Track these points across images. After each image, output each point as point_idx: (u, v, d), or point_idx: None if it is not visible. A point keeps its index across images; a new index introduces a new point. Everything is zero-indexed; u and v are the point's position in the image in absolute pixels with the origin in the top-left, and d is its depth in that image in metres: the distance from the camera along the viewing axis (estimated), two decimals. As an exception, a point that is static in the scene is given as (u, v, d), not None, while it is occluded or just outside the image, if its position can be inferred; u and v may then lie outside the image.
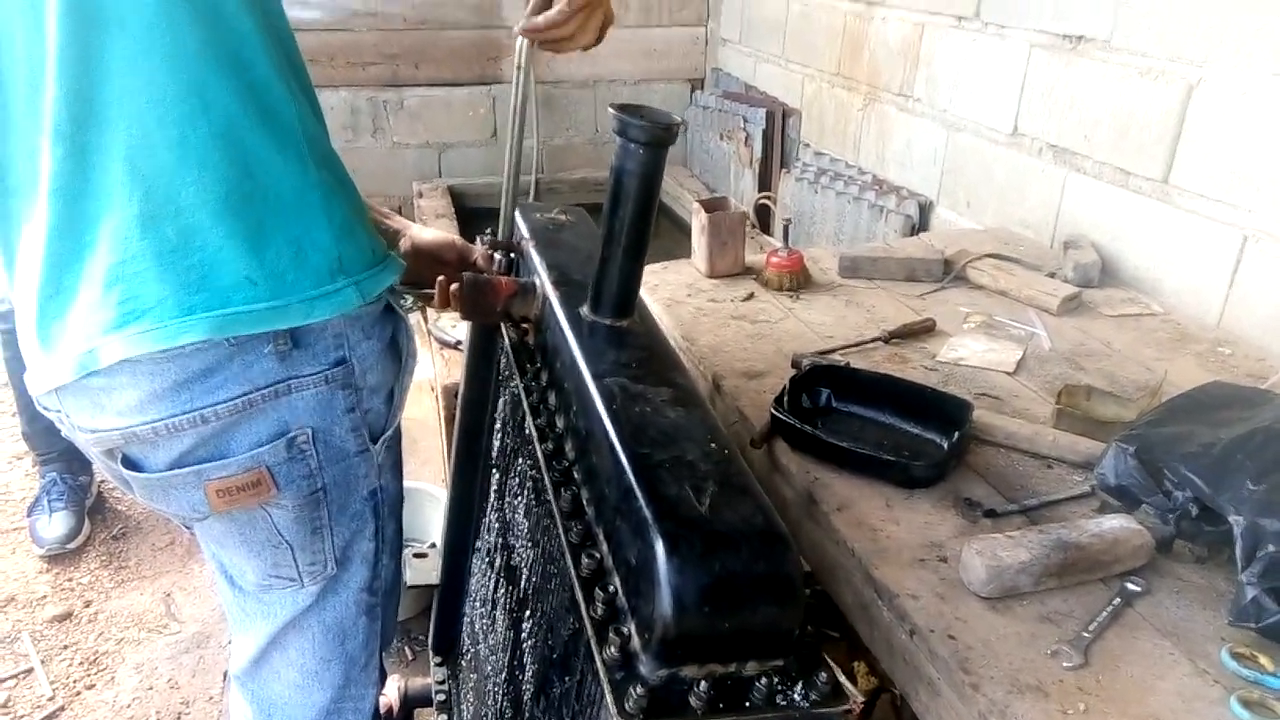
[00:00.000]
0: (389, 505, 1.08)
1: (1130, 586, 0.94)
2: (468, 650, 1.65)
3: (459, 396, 1.60)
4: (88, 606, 2.04)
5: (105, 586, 2.10)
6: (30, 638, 1.95)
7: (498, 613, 1.36)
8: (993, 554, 0.93)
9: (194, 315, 0.82)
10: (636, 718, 0.65)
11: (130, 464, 0.90)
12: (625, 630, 0.71)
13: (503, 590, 1.34)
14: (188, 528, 1.04)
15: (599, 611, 0.74)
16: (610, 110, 0.95)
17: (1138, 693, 0.82)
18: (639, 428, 0.83)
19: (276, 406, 0.89)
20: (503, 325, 1.22)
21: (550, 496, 0.89)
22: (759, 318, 1.62)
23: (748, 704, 0.68)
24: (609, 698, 0.67)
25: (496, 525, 1.43)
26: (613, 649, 0.69)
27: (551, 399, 1.03)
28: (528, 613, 1.14)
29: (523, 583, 1.19)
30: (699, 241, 1.79)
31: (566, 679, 0.82)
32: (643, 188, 0.97)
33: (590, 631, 0.73)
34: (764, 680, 0.69)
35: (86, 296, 0.82)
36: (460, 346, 2.33)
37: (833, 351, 1.47)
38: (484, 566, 1.53)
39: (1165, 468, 0.93)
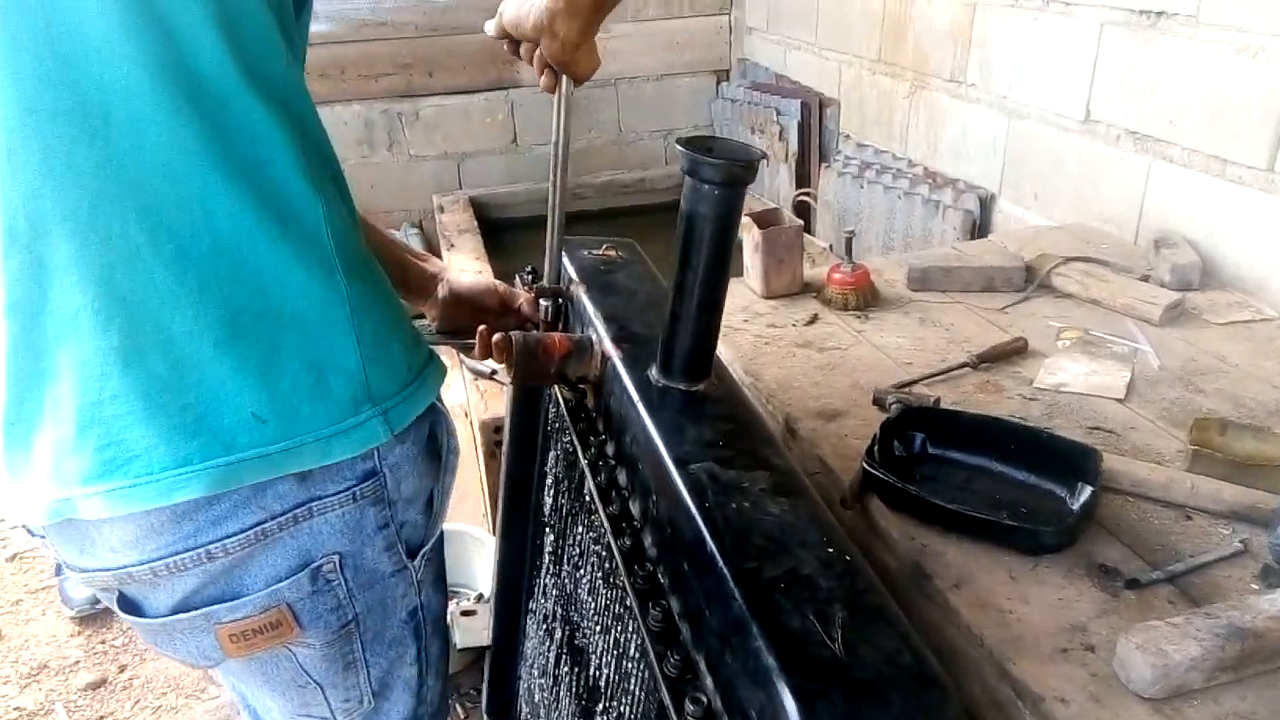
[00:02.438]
0: (432, 623, 0.94)
1: (1322, 678, 0.79)
2: (528, 719, 1.53)
3: (504, 448, 1.48)
4: (122, 672, 1.95)
5: (139, 649, 2.01)
6: (65, 709, 1.86)
7: (561, 691, 1.24)
8: (1157, 649, 0.79)
9: (191, 465, 0.68)
10: None
11: (129, 607, 0.77)
12: (750, 802, 0.58)
13: (566, 668, 1.21)
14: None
15: (716, 779, 0.60)
16: (678, 148, 0.81)
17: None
18: (741, 533, 0.69)
19: (296, 534, 0.75)
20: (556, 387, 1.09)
21: (636, 612, 0.75)
22: (827, 344, 1.47)
23: None
24: None
25: (554, 592, 1.31)
26: (739, 832, 0.56)
27: (621, 478, 0.90)
28: (600, 706, 1.02)
29: (592, 669, 1.06)
30: (752, 260, 1.65)
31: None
32: (718, 233, 0.83)
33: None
34: None
35: (56, 433, 0.68)
36: (496, 377, 2.21)
37: (915, 382, 1.33)
38: (541, 632, 1.40)
39: (1362, 538, 0.79)
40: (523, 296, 1.16)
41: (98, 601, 2.07)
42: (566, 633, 1.22)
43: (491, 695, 1.69)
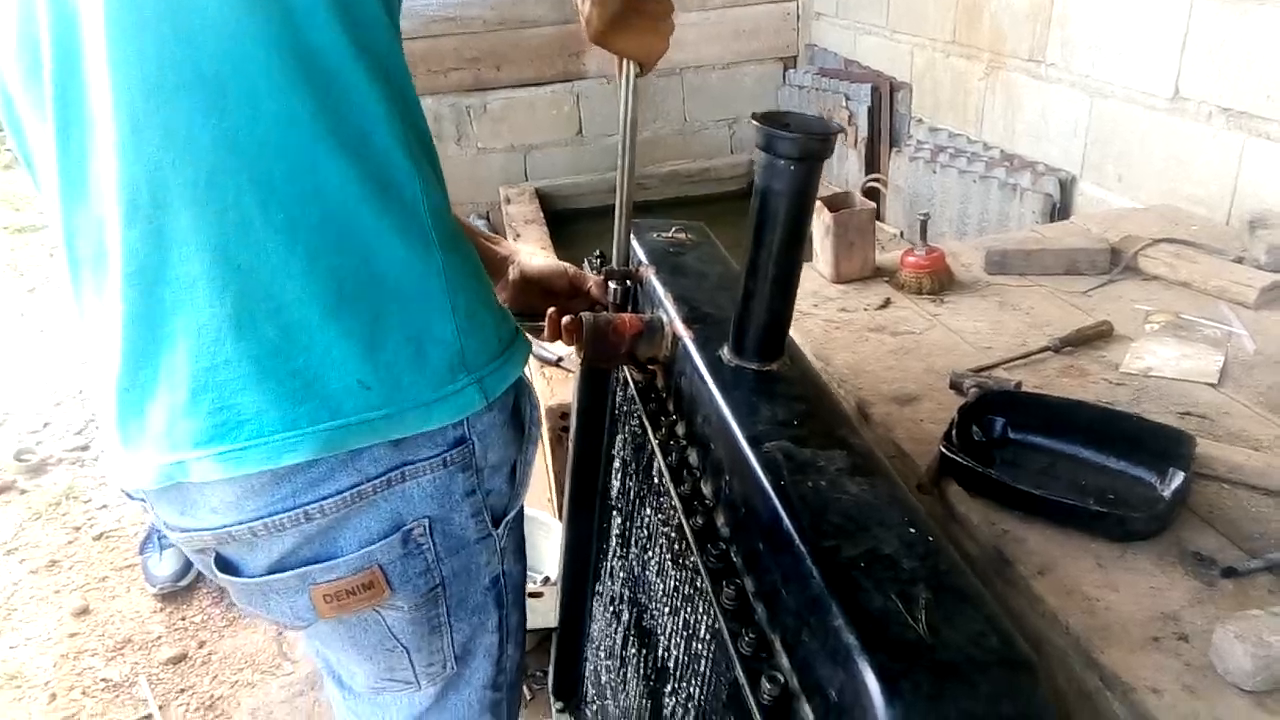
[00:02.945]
0: (513, 592, 0.95)
1: None
2: (593, 701, 1.53)
3: (571, 432, 1.49)
4: (201, 647, 2.02)
5: (218, 625, 2.07)
6: (147, 681, 1.93)
7: (629, 672, 1.24)
8: (1258, 638, 0.75)
9: (299, 429, 0.70)
10: None
11: (225, 566, 0.80)
12: (830, 782, 0.57)
13: (634, 649, 1.21)
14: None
15: (794, 757, 0.59)
16: (752, 122, 0.80)
17: None
18: (818, 511, 0.68)
19: (389, 497, 0.77)
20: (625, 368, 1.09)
21: (710, 592, 0.75)
22: (900, 328, 1.44)
23: None
24: None
25: (621, 574, 1.31)
26: (818, 811, 0.55)
27: (693, 458, 0.89)
28: (669, 687, 1.01)
29: (660, 650, 1.06)
30: (822, 244, 1.62)
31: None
32: (794, 210, 0.82)
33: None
34: None
35: (170, 399, 0.70)
36: (562, 364, 2.22)
37: (994, 366, 1.29)
38: (607, 614, 1.41)
39: None
40: (592, 280, 1.16)
41: (180, 578, 2.14)
42: (634, 615, 1.22)
43: (557, 677, 1.70)
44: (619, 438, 1.35)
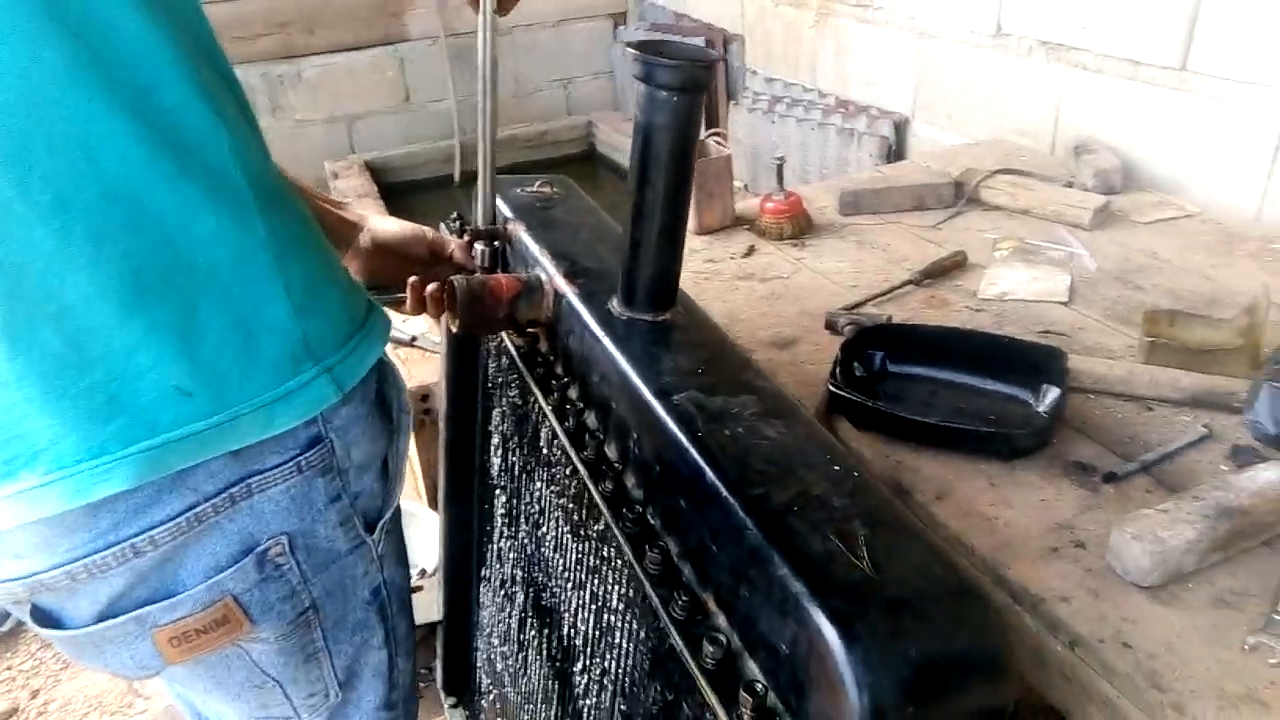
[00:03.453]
0: (397, 600, 0.85)
1: (1303, 548, 0.80)
2: (489, 691, 1.47)
3: (441, 412, 1.40)
4: (35, 697, 1.79)
5: (52, 669, 1.85)
6: (-25, 742, 1.71)
7: (529, 655, 1.18)
8: (1153, 535, 0.78)
9: (109, 454, 0.58)
10: None
11: (46, 619, 0.66)
12: (788, 738, 0.54)
13: (533, 631, 1.15)
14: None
15: (747, 717, 0.56)
16: (629, 51, 0.75)
17: (1367, 686, 0.69)
18: (740, 459, 0.64)
19: (235, 516, 0.66)
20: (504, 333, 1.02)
21: (630, 559, 0.70)
22: (768, 274, 1.43)
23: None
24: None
25: (512, 555, 1.25)
26: (782, 771, 0.52)
27: (591, 421, 0.84)
28: (579, 665, 0.97)
29: (566, 629, 1.01)
30: (682, 195, 1.59)
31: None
32: (678, 144, 0.77)
33: (741, 751, 0.55)
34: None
35: None
36: (416, 343, 2.10)
37: (863, 304, 1.30)
38: (499, 599, 1.34)
39: (1336, 406, 0.79)
40: (454, 243, 1.08)
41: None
42: (530, 595, 1.16)
43: (447, 670, 1.62)
44: (496, 412, 1.28)
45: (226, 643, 0.71)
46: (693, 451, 0.65)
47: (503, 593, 1.33)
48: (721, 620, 0.62)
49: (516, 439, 1.17)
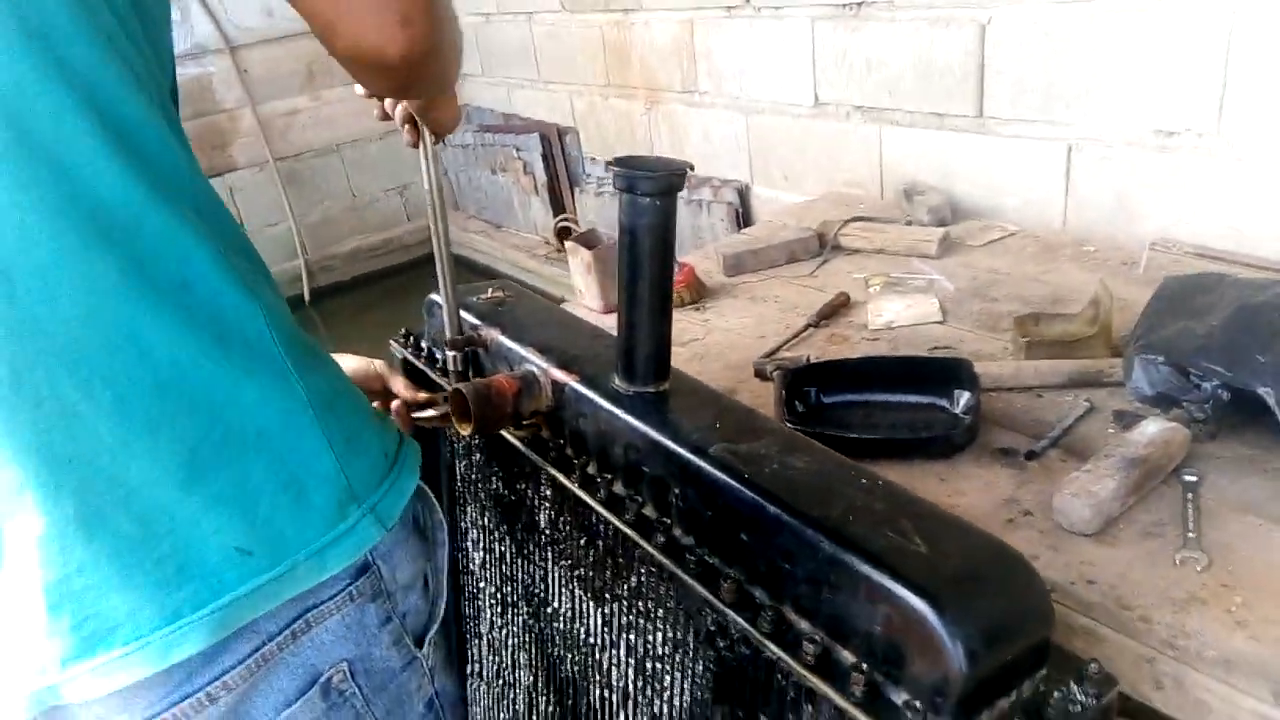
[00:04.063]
0: (450, 708, 0.90)
1: (1188, 478, 1.01)
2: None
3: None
4: None
5: None
6: None
7: (550, 732, 1.23)
8: (1088, 492, 0.96)
9: (182, 618, 0.63)
10: (978, 788, 0.60)
11: None
12: (900, 704, 0.66)
13: (553, 706, 1.21)
14: None
15: (859, 695, 0.67)
16: (611, 168, 0.87)
17: (1266, 567, 0.89)
18: (789, 489, 0.76)
19: (298, 650, 0.71)
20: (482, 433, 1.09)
21: (705, 594, 0.80)
22: (684, 339, 1.58)
23: (1051, 723, 0.65)
24: (939, 779, 0.61)
25: (510, 641, 1.29)
26: (908, 727, 0.64)
27: (619, 488, 0.94)
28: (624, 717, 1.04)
29: (596, 689, 1.08)
30: (586, 280, 1.72)
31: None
32: (660, 241, 0.90)
33: (866, 718, 0.66)
34: (1052, 694, 0.67)
35: (24, 622, 0.61)
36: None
37: (778, 349, 1.47)
38: (496, 689, 1.38)
39: (1188, 366, 1.02)
40: (399, 380, 1.13)
41: None
42: (541, 672, 1.22)
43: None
44: (470, 509, 1.33)
45: None
46: (747, 491, 0.77)
47: (500, 681, 1.37)
48: (804, 625, 0.74)
49: (505, 528, 1.23)
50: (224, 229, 0.69)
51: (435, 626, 0.87)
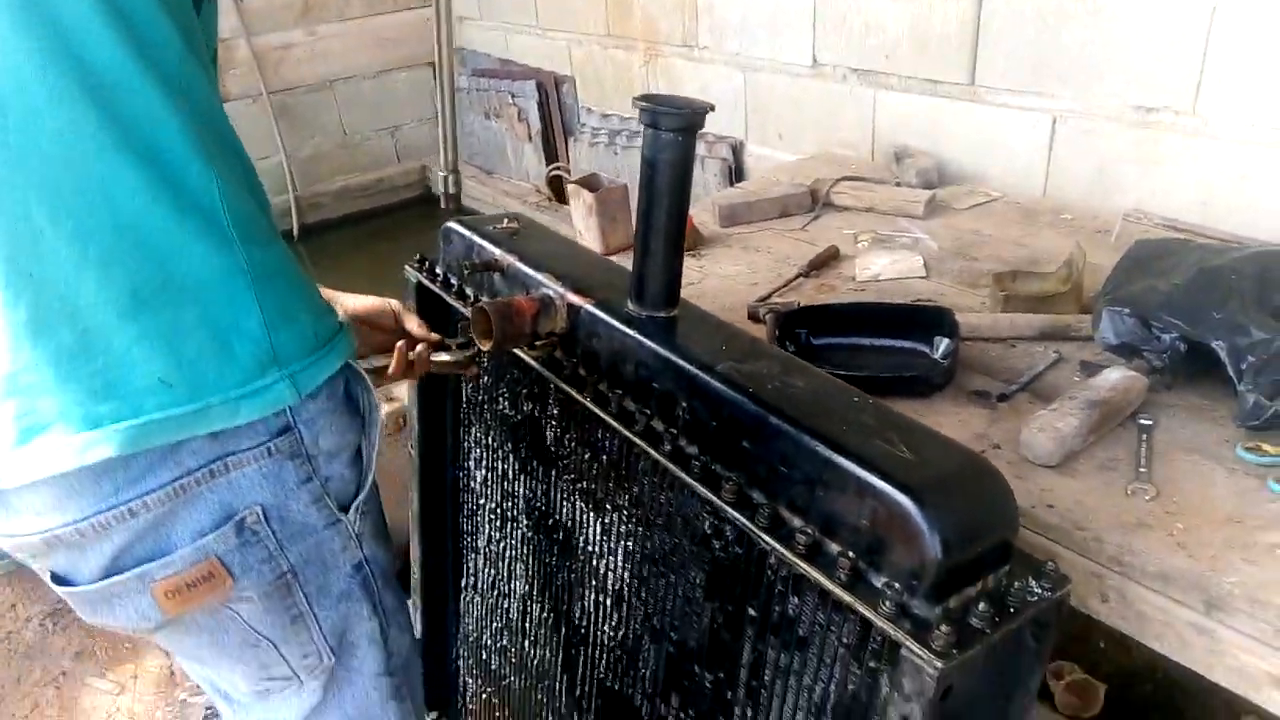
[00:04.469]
0: (381, 576, 0.99)
1: (1144, 422, 1.11)
2: (480, 692, 1.58)
3: (414, 442, 1.50)
4: None
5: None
6: None
7: (543, 636, 1.32)
8: (1052, 427, 1.06)
9: (102, 427, 0.74)
10: (949, 655, 0.69)
11: (61, 580, 0.82)
12: (880, 586, 0.75)
13: (548, 612, 1.29)
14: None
15: (844, 578, 0.76)
16: (636, 104, 0.94)
17: (1206, 500, 0.99)
18: (791, 402, 0.85)
19: (215, 488, 0.81)
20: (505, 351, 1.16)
21: (708, 494, 0.88)
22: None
23: (1012, 610, 0.75)
24: (914, 646, 0.70)
25: (508, 554, 1.37)
26: (887, 604, 0.72)
27: (629, 404, 1.01)
28: (618, 618, 1.12)
29: (591, 594, 1.16)
30: (587, 223, 1.78)
31: (809, 652, 0.83)
32: (679, 175, 0.97)
33: (850, 597, 0.75)
34: (1013, 586, 0.76)
35: None
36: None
37: (771, 295, 1.55)
38: (491, 600, 1.46)
39: (1150, 319, 1.11)
40: (413, 319, 1.20)
41: None
42: (538, 582, 1.30)
43: (427, 687, 1.70)
44: (475, 429, 1.41)
45: (215, 598, 0.84)
46: (751, 403, 0.85)
47: (495, 592, 1.46)
48: (796, 521, 0.82)
49: (509, 446, 1.31)
50: (206, 115, 0.78)
51: (362, 497, 0.94)
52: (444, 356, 1.14)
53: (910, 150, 2.01)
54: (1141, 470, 1.04)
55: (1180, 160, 1.63)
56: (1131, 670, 1.71)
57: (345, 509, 0.91)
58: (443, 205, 3.74)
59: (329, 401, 0.87)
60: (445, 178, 3.69)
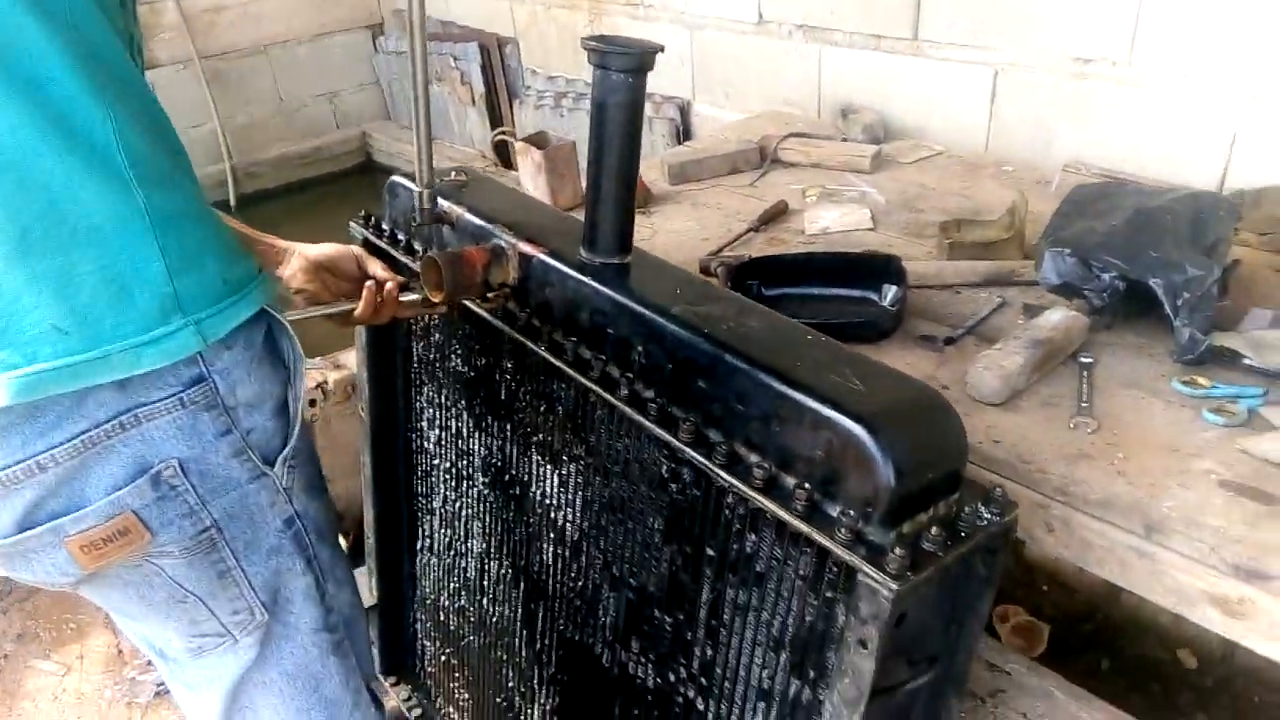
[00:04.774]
0: (315, 530, 0.96)
1: (1085, 360, 1.14)
2: (439, 654, 1.57)
3: (363, 407, 1.48)
4: None
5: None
6: None
7: (501, 593, 1.32)
8: (998, 366, 1.08)
9: None
10: (903, 577, 0.70)
11: None
12: (835, 515, 0.76)
13: (506, 568, 1.29)
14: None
15: (800, 509, 0.77)
16: (584, 44, 0.93)
17: (1144, 431, 1.03)
18: (746, 341, 0.85)
19: (127, 441, 0.78)
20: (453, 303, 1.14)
21: (665, 437, 0.88)
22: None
23: (963, 534, 0.77)
24: (870, 570, 0.71)
25: (464, 513, 1.37)
26: (843, 531, 0.74)
27: (585, 352, 1.01)
28: (576, 569, 1.13)
29: (550, 547, 1.16)
30: (536, 181, 1.76)
31: (766, 588, 0.84)
32: (629, 118, 0.96)
33: (807, 527, 0.76)
34: (963, 512, 0.78)
35: None
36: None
37: (722, 249, 1.56)
38: (448, 561, 1.46)
39: (1090, 259, 1.14)
40: (376, 263, 1.17)
41: None
42: (495, 539, 1.30)
43: (384, 653, 1.69)
44: (426, 390, 1.39)
45: (132, 553, 0.82)
46: (707, 344, 0.85)
47: (451, 552, 1.45)
48: (754, 457, 0.83)
49: (463, 404, 1.30)
50: (97, 51, 0.73)
51: (288, 449, 0.91)
52: (412, 296, 1.12)
53: (856, 106, 2.02)
54: (1083, 405, 1.07)
55: (1116, 110, 1.66)
56: (1073, 611, 1.77)
57: (270, 462, 0.88)
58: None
59: (246, 351, 0.83)
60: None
